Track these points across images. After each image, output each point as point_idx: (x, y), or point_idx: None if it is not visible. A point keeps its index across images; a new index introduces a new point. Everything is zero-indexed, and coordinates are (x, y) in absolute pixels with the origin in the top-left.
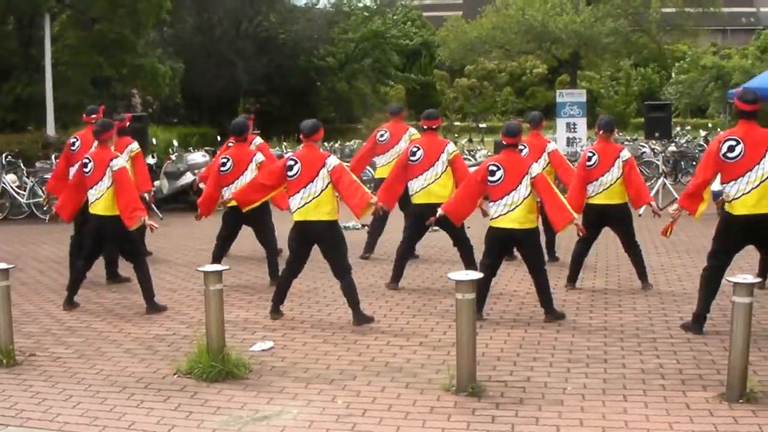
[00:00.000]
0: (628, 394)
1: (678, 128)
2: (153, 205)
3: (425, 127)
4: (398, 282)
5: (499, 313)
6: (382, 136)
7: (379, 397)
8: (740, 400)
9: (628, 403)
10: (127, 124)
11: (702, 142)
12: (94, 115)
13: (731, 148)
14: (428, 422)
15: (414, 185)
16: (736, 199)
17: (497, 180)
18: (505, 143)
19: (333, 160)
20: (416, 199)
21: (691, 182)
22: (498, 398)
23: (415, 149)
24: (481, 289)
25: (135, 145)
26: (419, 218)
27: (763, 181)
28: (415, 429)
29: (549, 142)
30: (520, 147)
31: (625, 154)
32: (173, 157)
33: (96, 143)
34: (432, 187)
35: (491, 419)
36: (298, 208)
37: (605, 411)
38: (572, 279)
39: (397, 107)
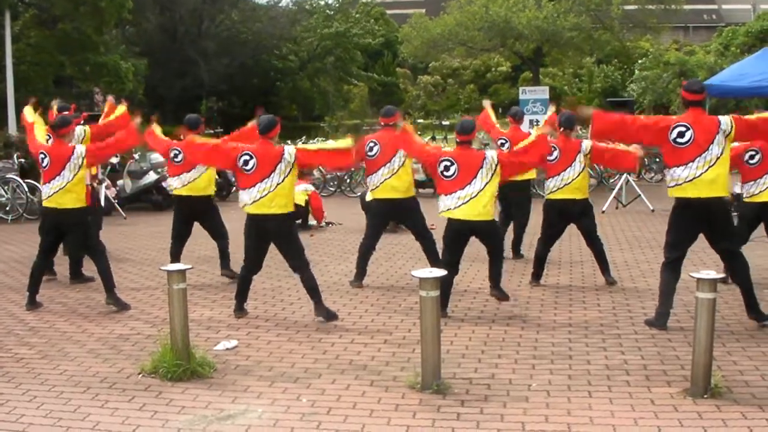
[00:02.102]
0: (593, 390)
1: None
2: (117, 204)
3: (383, 123)
4: (362, 280)
5: (464, 311)
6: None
7: (343, 395)
8: (704, 396)
9: (593, 399)
10: (82, 122)
11: None
12: (65, 113)
13: (681, 134)
14: (393, 420)
15: (372, 180)
16: (688, 182)
17: (451, 175)
18: (458, 140)
19: (290, 150)
20: (374, 194)
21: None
22: (463, 395)
23: (372, 144)
24: (444, 287)
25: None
26: (378, 214)
27: (712, 165)
28: (380, 427)
29: (530, 135)
30: (501, 141)
31: (586, 146)
32: (136, 156)
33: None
34: (389, 181)
35: (456, 416)
36: (253, 202)
37: (570, 407)
38: (537, 276)
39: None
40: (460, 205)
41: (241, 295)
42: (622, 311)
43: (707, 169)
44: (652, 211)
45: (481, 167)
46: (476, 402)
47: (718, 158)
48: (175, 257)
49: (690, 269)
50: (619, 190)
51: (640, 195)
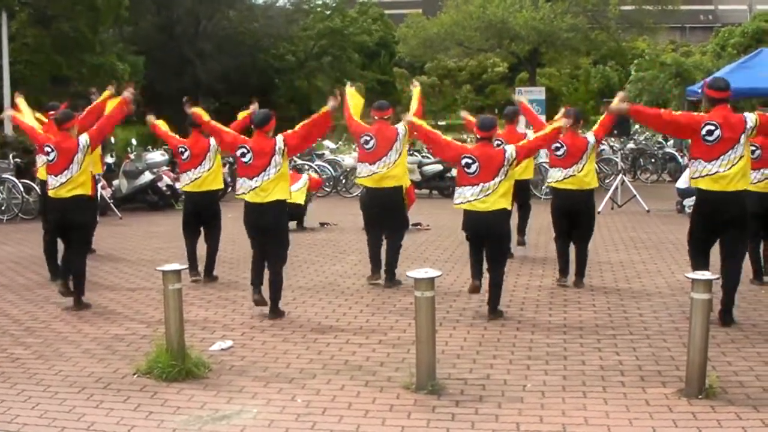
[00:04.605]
0: (588, 390)
1: (637, 126)
2: (112, 204)
3: (376, 117)
4: (377, 275)
5: (459, 311)
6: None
7: (338, 395)
8: (699, 396)
9: (587, 399)
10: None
11: (661, 140)
12: (53, 112)
13: (710, 132)
14: (388, 420)
15: (362, 169)
16: (710, 176)
17: (473, 172)
18: (479, 136)
19: (280, 139)
20: (362, 181)
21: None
22: (458, 396)
23: (368, 138)
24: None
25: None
26: (366, 205)
27: (736, 163)
28: (374, 427)
29: (525, 135)
30: (497, 142)
31: (591, 141)
32: (132, 156)
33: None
34: (383, 173)
35: (451, 417)
36: (250, 190)
37: (565, 407)
38: (564, 273)
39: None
40: (481, 197)
41: (258, 279)
42: (617, 312)
43: (730, 168)
44: (648, 211)
45: (503, 166)
46: (471, 402)
47: (741, 156)
48: (189, 255)
49: (686, 269)
50: (615, 190)
51: (635, 195)
